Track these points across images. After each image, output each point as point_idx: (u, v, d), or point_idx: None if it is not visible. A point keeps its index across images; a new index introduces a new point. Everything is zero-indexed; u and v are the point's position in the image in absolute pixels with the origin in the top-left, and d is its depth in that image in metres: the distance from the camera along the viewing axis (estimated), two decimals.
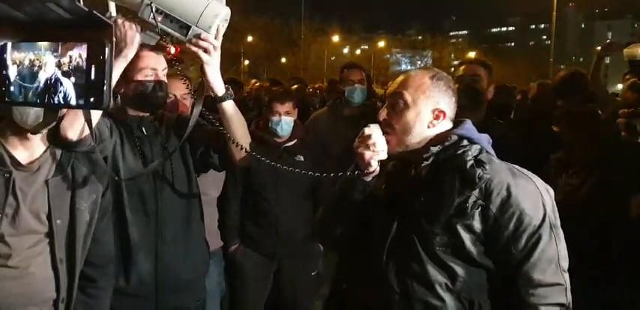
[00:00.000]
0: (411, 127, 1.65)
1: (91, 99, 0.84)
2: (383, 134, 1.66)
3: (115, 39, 0.95)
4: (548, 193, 1.64)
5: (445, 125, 1.69)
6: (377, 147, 1.64)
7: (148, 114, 2.23)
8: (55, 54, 0.85)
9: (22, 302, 1.81)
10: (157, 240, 2.20)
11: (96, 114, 1.68)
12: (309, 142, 3.37)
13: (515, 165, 1.67)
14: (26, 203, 1.79)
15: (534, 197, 1.59)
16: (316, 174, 1.82)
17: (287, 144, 3.23)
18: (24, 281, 1.81)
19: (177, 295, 2.27)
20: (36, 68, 0.86)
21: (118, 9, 1.63)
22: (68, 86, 0.85)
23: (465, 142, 1.64)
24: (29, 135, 1.78)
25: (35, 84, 0.87)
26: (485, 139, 1.69)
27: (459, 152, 1.61)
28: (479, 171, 1.56)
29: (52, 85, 0.86)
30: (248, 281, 3.28)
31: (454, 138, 1.64)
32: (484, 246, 1.59)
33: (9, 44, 0.88)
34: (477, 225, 1.57)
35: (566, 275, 1.60)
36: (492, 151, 1.69)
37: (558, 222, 1.62)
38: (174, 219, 2.25)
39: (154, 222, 2.19)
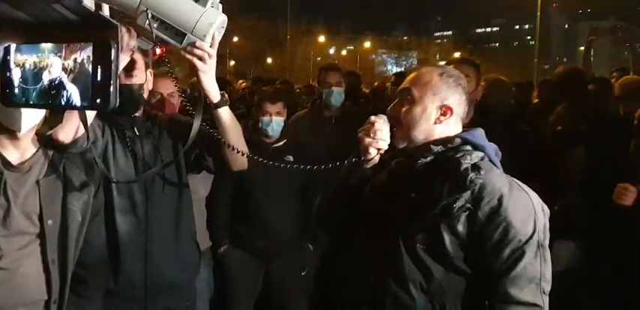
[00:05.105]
0: (417, 123, 1.66)
1: (97, 101, 0.83)
2: (391, 128, 1.67)
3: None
4: (543, 212, 1.60)
5: (454, 125, 1.69)
6: (377, 135, 1.65)
7: (138, 114, 2.23)
8: (60, 55, 0.84)
9: (12, 304, 1.80)
10: (147, 242, 2.19)
11: (90, 116, 1.68)
12: (298, 142, 3.38)
13: (516, 180, 1.63)
14: (17, 203, 1.78)
15: (526, 212, 1.56)
16: (311, 167, 1.76)
17: (276, 144, 3.24)
18: (14, 283, 1.80)
19: (167, 296, 2.26)
20: (40, 70, 0.85)
21: (115, 14, 1.63)
22: (73, 87, 0.84)
23: (468, 148, 1.63)
24: (19, 135, 1.77)
25: (39, 86, 0.85)
26: (492, 149, 1.66)
27: (459, 155, 1.60)
28: (472, 174, 1.54)
29: (57, 87, 0.84)
30: (237, 281, 3.28)
31: (457, 141, 1.64)
32: (465, 252, 1.57)
33: (12, 46, 0.87)
34: (461, 228, 1.55)
35: (546, 299, 1.55)
36: (497, 162, 1.66)
37: (547, 243, 1.58)
38: (164, 221, 2.23)
39: (143, 224, 2.18)
